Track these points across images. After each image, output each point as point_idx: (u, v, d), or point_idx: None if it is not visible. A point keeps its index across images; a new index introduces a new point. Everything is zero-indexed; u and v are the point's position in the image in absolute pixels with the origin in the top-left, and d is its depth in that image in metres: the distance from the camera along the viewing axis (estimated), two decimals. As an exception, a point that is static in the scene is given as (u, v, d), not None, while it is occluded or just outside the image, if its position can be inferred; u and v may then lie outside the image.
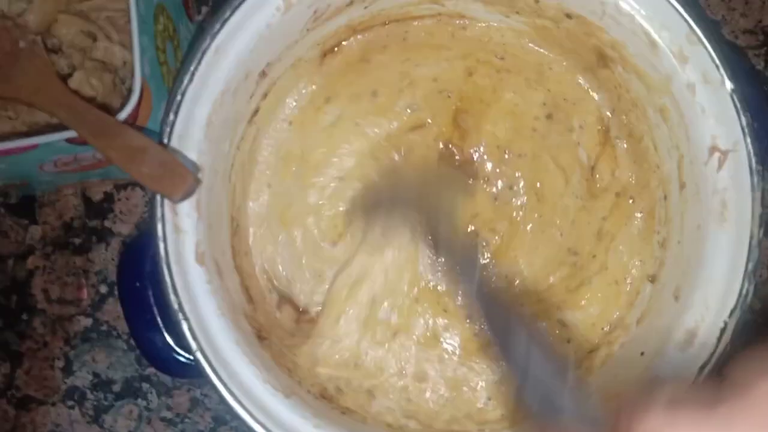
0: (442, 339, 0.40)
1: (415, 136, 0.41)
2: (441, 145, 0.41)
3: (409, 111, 0.41)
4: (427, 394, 0.39)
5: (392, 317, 0.40)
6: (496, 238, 0.40)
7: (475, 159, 0.41)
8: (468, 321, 0.40)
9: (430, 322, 0.40)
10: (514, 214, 0.40)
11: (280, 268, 0.41)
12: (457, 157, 0.41)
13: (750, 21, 0.49)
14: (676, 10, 0.35)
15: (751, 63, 0.48)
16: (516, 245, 0.40)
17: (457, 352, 0.40)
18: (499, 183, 0.41)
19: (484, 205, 0.41)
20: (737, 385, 0.23)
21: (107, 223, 0.47)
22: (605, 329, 0.40)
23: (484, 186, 0.41)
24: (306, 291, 0.41)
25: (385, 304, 0.40)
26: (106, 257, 0.47)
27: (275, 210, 0.41)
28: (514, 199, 0.41)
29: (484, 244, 0.40)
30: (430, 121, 0.41)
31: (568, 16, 0.38)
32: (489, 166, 0.41)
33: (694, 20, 0.35)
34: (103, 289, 0.47)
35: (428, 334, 0.40)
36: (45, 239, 0.47)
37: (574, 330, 0.40)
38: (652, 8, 0.35)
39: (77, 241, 0.47)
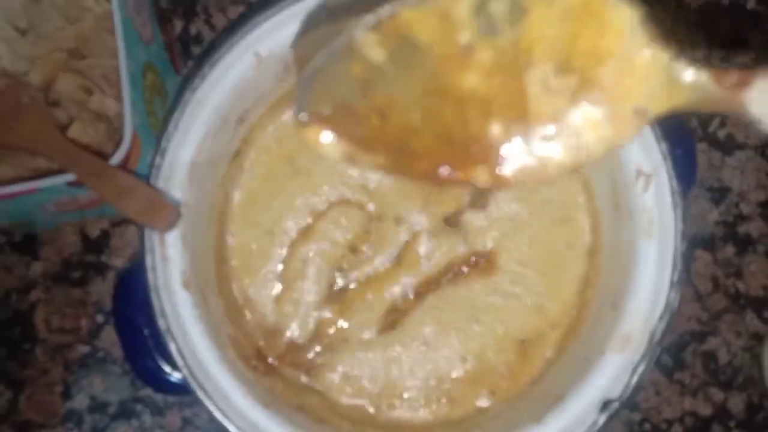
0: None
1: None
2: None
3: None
4: None
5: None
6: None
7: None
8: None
9: None
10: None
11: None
12: None
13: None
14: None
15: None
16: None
17: None
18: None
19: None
20: None
21: (103, 258, 0.51)
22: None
23: None
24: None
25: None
26: (102, 289, 0.51)
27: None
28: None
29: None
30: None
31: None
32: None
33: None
34: (100, 318, 0.50)
35: None
36: (46, 274, 0.51)
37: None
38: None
39: (76, 275, 0.51)
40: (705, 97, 0.24)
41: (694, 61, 0.24)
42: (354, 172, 0.46)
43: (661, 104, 0.24)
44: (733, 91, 0.23)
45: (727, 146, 0.53)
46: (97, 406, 0.49)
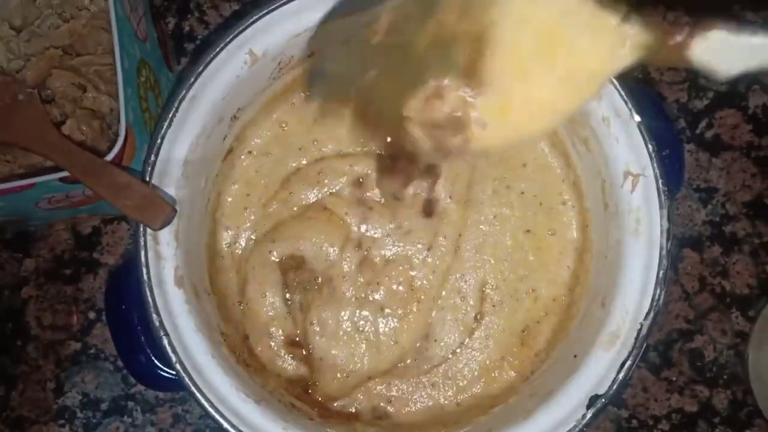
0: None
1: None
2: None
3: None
4: None
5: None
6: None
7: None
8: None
9: None
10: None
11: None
12: None
13: (672, 59, 0.55)
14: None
15: (662, 99, 0.53)
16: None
17: None
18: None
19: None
20: None
21: (95, 255, 0.51)
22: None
23: None
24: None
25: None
26: (94, 286, 0.51)
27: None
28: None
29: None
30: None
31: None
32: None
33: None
34: (92, 315, 0.51)
35: None
36: (38, 271, 0.51)
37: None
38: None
39: (68, 272, 0.51)
40: (653, 55, 0.27)
41: (642, 23, 0.26)
42: (343, 167, 0.46)
43: (612, 65, 0.27)
44: (678, 49, 0.26)
45: (714, 147, 0.54)
46: (89, 403, 0.49)
